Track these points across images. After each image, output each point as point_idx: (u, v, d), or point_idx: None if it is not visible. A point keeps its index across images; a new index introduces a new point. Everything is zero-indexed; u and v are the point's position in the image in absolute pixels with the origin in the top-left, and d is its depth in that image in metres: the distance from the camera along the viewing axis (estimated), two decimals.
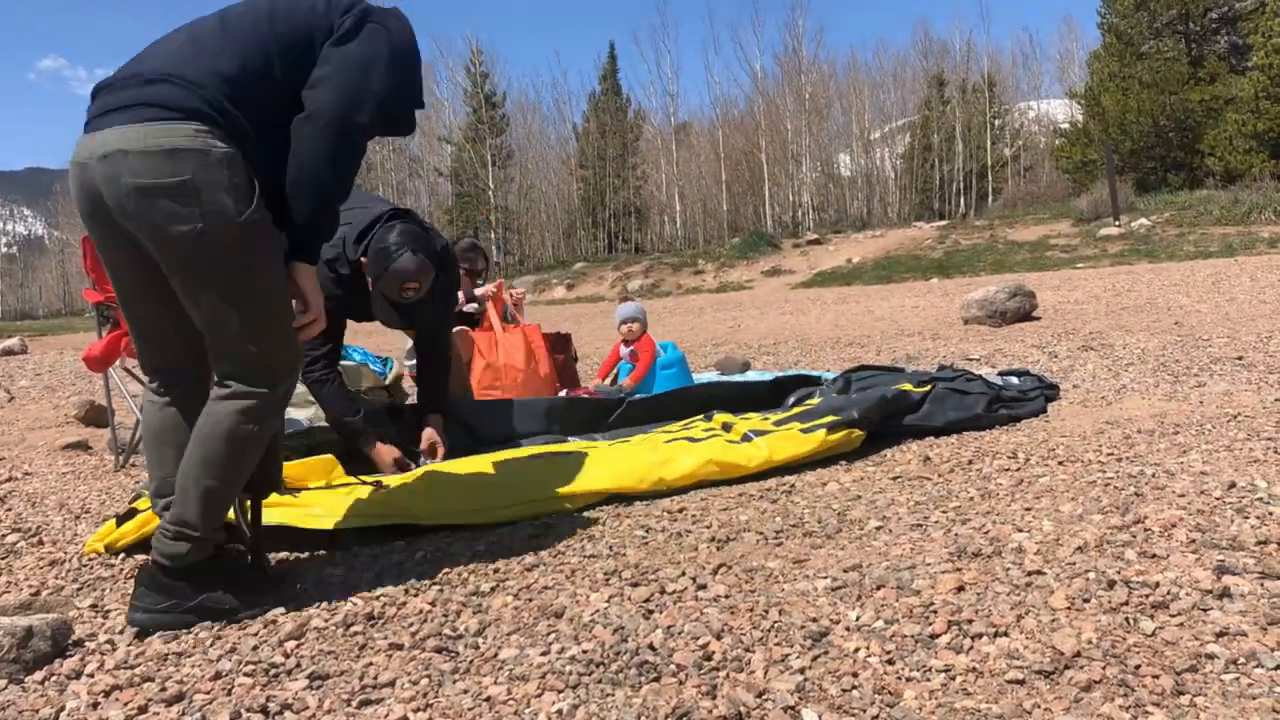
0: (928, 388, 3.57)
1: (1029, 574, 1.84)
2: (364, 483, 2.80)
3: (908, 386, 3.58)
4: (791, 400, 3.83)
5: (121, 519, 2.52)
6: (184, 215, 1.80)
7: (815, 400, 3.66)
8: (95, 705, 1.58)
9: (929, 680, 1.46)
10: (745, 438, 3.13)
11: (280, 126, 1.94)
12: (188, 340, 2.01)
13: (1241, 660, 1.44)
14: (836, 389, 3.83)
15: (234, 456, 1.94)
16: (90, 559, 2.49)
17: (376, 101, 1.98)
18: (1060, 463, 2.79)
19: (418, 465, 3.12)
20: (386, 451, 3.12)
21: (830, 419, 3.20)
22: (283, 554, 2.44)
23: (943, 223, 24.19)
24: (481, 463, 3.01)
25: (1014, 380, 4.10)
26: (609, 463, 2.93)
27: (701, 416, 3.58)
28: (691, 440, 3.17)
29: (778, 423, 3.29)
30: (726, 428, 3.28)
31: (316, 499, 2.66)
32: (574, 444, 3.31)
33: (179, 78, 1.87)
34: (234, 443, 1.94)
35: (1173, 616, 1.60)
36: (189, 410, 2.03)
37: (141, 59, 1.96)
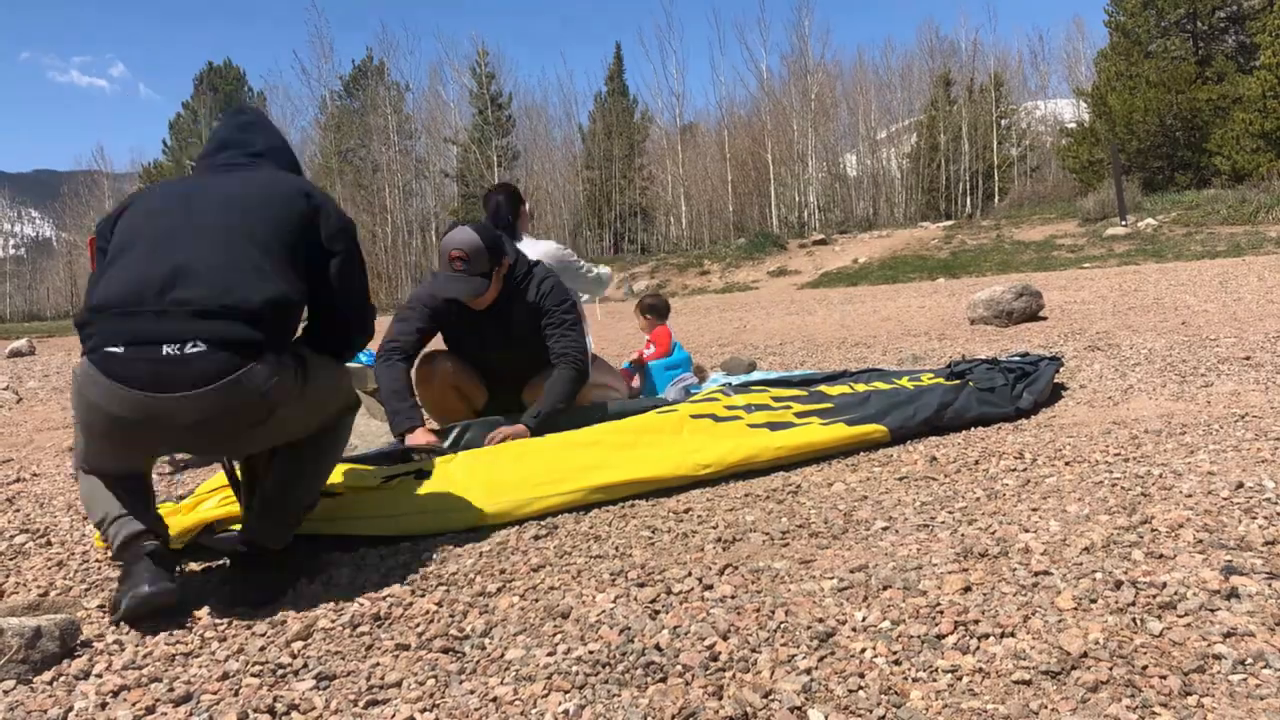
0: (957, 382, 3.63)
1: (1036, 574, 1.84)
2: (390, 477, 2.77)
3: (939, 380, 3.64)
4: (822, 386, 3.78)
5: None
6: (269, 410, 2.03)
7: (841, 389, 3.64)
8: (103, 705, 1.59)
9: (935, 681, 1.46)
10: (770, 426, 3.19)
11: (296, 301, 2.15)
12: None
13: (1249, 661, 1.43)
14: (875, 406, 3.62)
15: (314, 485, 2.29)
16: (100, 560, 2.49)
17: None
18: (1067, 463, 2.78)
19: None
20: (422, 434, 3.22)
21: (850, 416, 3.29)
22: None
23: (949, 223, 24.15)
24: (507, 457, 2.99)
25: (1015, 359, 4.16)
26: (635, 454, 2.95)
27: (717, 392, 3.56)
28: (715, 419, 3.21)
29: (799, 414, 3.31)
30: (749, 409, 3.30)
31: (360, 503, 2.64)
32: (591, 429, 3.23)
33: (234, 310, 1.95)
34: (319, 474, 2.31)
35: (1180, 617, 1.60)
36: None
37: (157, 269, 1.98)
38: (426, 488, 2.71)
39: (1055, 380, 4.16)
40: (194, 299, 1.94)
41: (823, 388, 3.64)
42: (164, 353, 1.89)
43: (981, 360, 4.14)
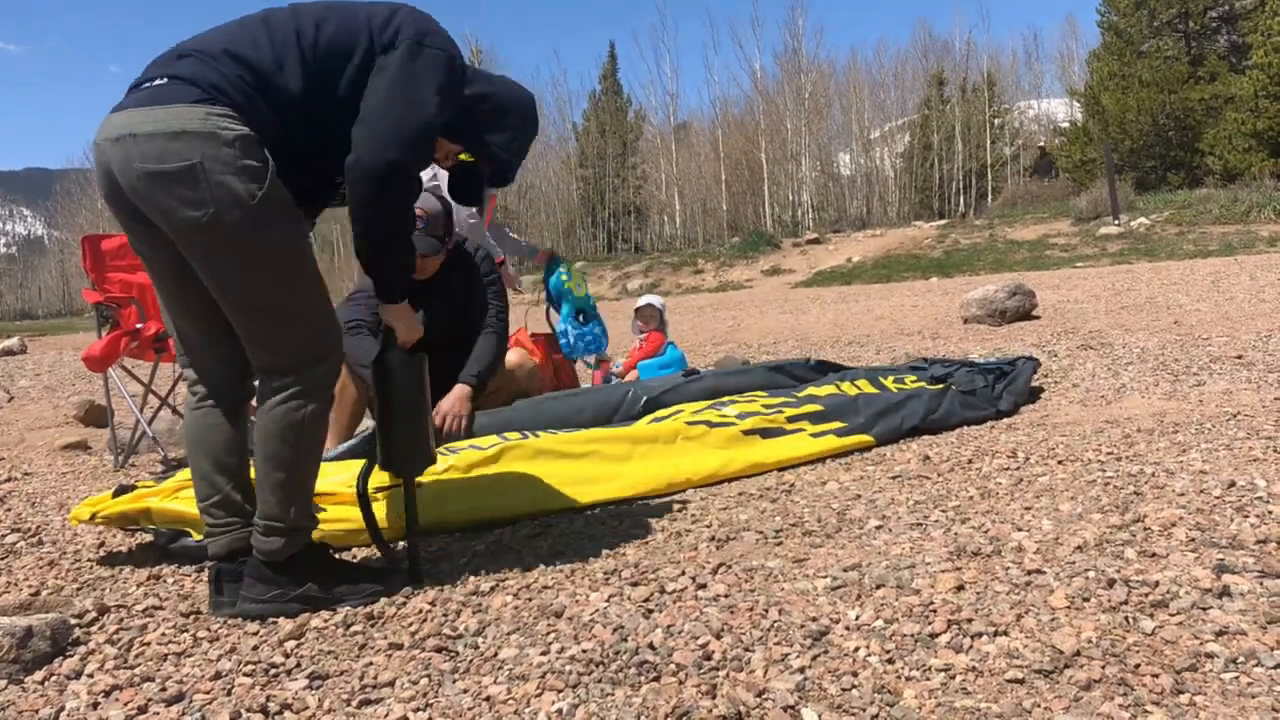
0: (941, 386, 3.65)
1: (1029, 573, 1.84)
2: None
3: (923, 385, 3.65)
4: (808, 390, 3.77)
5: (119, 493, 2.51)
6: (193, 200, 1.77)
7: (829, 389, 3.64)
8: (95, 705, 1.58)
9: (929, 679, 1.46)
10: (761, 433, 3.21)
11: (311, 129, 1.91)
12: (219, 350, 2.00)
13: (1241, 659, 1.44)
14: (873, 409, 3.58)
15: (293, 445, 1.96)
16: (91, 559, 2.49)
17: (406, 134, 1.90)
18: (1060, 462, 2.79)
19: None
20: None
21: (839, 424, 3.33)
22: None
23: (942, 222, 24.15)
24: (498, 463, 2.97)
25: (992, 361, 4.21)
26: (629, 467, 2.95)
27: (709, 404, 3.54)
28: (709, 425, 3.20)
29: (790, 419, 3.32)
30: (742, 416, 3.30)
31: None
32: (587, 435, 3.22)
33: (206, 54, 1.85)
34: (289, 432, 1.95)
35: (1172, 615, 1.60)
36: (219, 418, 2.02)
37: (186, 40, 1.95)
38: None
39: (1035, 381, 4.17)
40: (181, 47, 1.89)
41: (811, 389, 3.65)
42: (141, 86, 1.85)
43: (957, 362, 4.17)
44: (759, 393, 3.61)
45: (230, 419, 2.04)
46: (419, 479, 2.35)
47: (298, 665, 1.71)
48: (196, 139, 1.76)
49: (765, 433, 3.22)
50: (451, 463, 2.73)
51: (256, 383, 2.01)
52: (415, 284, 3.18)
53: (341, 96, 1.92)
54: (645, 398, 3.52)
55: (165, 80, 1.82)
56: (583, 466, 2.90)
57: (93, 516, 2.47)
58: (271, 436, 1.94)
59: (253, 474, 2.02)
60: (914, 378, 3.80)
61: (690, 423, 3.20)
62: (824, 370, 4.09)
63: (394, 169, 1.89)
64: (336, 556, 2.18)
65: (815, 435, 3.26)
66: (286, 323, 1.93)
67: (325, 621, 1.92)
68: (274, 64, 1.86)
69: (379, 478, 2.43)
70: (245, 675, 1.67)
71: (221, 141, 1.77)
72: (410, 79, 1.92)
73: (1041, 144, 30.72)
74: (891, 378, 3.79)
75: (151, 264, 1.97)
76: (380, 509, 2.46)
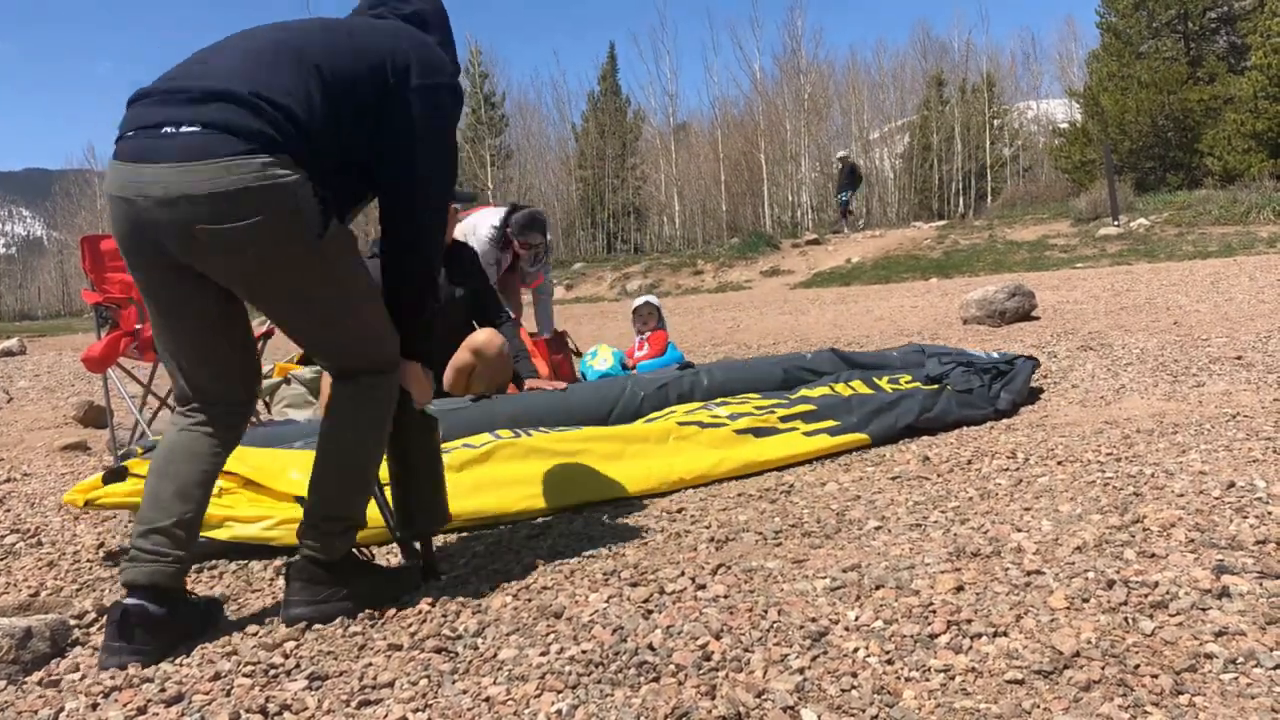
0: (936, 386, 3.64)
1: (1028, 574, 1.84)
2: None
3: (917, 385, 3.65)
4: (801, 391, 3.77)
5: (110, 477, 2.47)
6: (264, 253, 1.76)
7: (822, 390, 3.64)
8: (94, 706, 1.58)
9: (928, 680, 1.46)
10: (754, 432, 3.21)
11: (332, 161, 1.88)
12: (218, 372, 1.96)
13: (1240, 660, 1.44)
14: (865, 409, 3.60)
15: (364, 443, 2.01)
16: (90, 560, 2.49)
17: (437, 196, 2.03)
18: (1059, 463, 2.79)
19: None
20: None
21: (832, 423, 3.32)
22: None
23: (942, 223, 24.15)
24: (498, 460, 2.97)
25: (995, 354, 4.21)
26: (621, 466, 2.95)
27: (700, 405, 3.54)
28: (700, 425, 3.21)
29: (783, 419, 3.32)
30: (733, 417, 3.30)
31: None
32: (579, 434, 3.21)
33: (234, 96, 1.76)
34: (359, 430, 2.00)
35: (1172, 616, 1.60)
36: (208, 447, 1.93)
37: (186, 72, 1.86)
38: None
39: (1034, 382, 4.17)
40: (194, 86, 1.79)
41: (804, 390, 3.65)
42: (162, 131, 1.74)
43: (954, 351, 4.16)
44: (751, 394, 3.60)
45: (220, 444, 1.95)
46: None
47: (297, 666, 1.71)
48: (260, 194, 1.71)
49: (758, 432, 3.22)
50: (444, 461, 2.73)
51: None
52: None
53: (356, 124, 1.91)
54: (643, 394, 3.51)
55: (200, 129, 1.73)
56: (575, 465, 2.90)
57: (88, 504, 2.46)
58: (344, 430, 1.99)
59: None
60: (908, 377, 3.79)
61: (682, 423, 3.20)
62: (845, 363, 4.09)
63: (430, 232, 2.03)
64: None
65: (808, 434, 3.25)
66: (360, 343, 1.98)
67: (324, 622, 1.92)
68: (303, 103, 1.81)
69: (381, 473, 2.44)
70: (245, 676, 1.67)
71: (284, 191, 1.74)
72: (433, 132, 1.98)
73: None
74: (886, 378, 3.78)
75: (158, 300, 1.89)
76: (372, 510, 2.46)
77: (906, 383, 3.75)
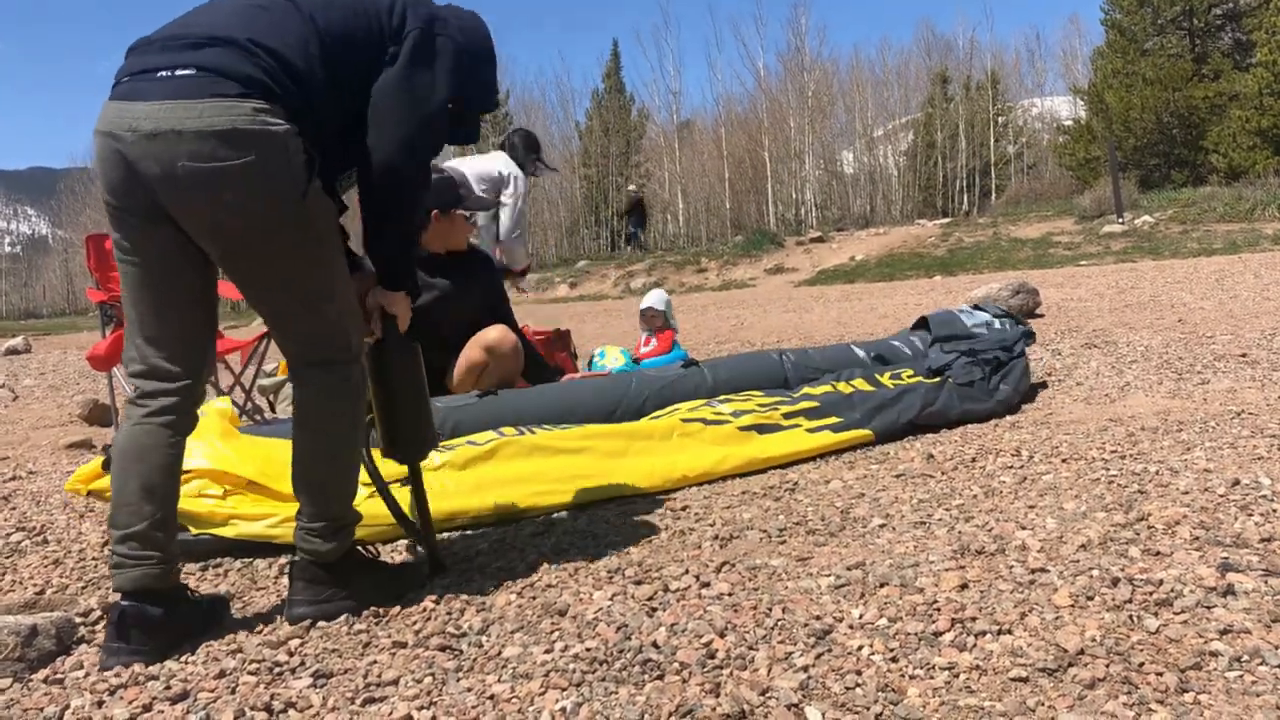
0: (937, 380, 3.65)
1: (1032, 571, 1.84)
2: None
3: (919, 379, 3.64)
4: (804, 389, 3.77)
5: (110, 463, 2.46)
6: (245, 201, 1.72)
7: (824, 388, 3.63)
8: (100, 704, 1.59)
9: (933, 678, 1.46)
10: (758, 429, 3.21)
11: (331, 117, 1.86)
12: (188, 343, 1.88)
13: (1245, 657, 1.44)
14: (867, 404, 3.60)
15: (339, 440, 1.96)
16: (96, 558, 2.49)
17: (418, 141, 1.92)
18: (1064, 460, 2.78)
19: None
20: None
21: (835, 420, 3.32)
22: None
23: (946, 220, 24.13)
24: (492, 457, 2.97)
25: (996, 324, 4.21)
26: (625, 463, 2.95)
27: (704, 402, 3.53)
28: (704, 423, 3.21)
29: (787, 416, 3.32)
30: (737, 414, 3.30)
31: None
32: (583, 431, 3.17)
33: (230, 42, 1.74)
34: (333, 426, 1.94)
35: (1176, 614, 1.60)
36: (164, 437, 1.83)
37: (186, 22, 1.85)
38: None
39: (1038, 378, 4.17)
40: (192, 33, 1.77)
41: (806, 389, 3.65)
42: (158, 74, 1.72)
43: (959, 351, 4.11)
44: (755, 392, 3.60)
45: (177, 433, 1.86)
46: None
47: (302, 663, 1.72)
48: (248, 137, 1.69)
49: (762, 429, 3.22)
50: (448, 459, 2.73)
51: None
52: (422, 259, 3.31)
53: (353, 84, 1.88)
54: (646, 392, 3.51)
55: (194, 72, 1.72)
56: (578, 462, 2.90)
57: (90, 494, 2.46)
58: (317, 432, 1.94)
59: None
60: (910, 372, 3.78)
61: (686, 420, 3.20)
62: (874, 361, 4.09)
63: (406, 177, 1.91)
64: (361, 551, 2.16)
65: (811, 431, 3.25)
66: (330, 315, 1.91)
67: (329, 620, 1.92)
68: (299, 53, 1.79)
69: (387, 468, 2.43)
70: (250, 673, 1.67)
71: (273, 138, 1.72)
72: (417, 77, 1.91)
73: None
74: (888, 374, 3.78)
75: (139, 261, 1.82)
76: (375, 506, 2.45)
77: (908, 377, 3.74)
